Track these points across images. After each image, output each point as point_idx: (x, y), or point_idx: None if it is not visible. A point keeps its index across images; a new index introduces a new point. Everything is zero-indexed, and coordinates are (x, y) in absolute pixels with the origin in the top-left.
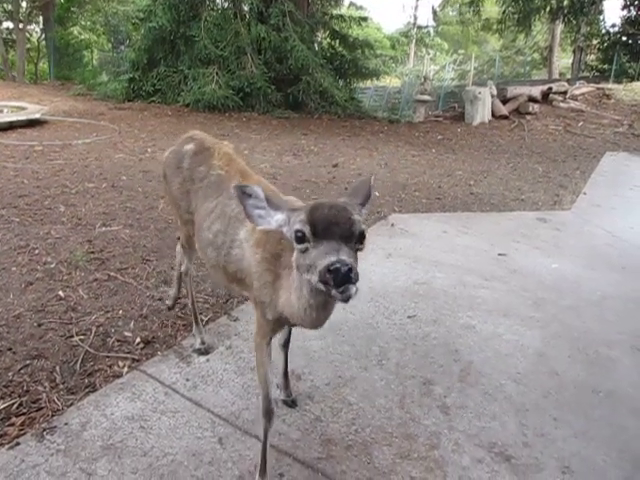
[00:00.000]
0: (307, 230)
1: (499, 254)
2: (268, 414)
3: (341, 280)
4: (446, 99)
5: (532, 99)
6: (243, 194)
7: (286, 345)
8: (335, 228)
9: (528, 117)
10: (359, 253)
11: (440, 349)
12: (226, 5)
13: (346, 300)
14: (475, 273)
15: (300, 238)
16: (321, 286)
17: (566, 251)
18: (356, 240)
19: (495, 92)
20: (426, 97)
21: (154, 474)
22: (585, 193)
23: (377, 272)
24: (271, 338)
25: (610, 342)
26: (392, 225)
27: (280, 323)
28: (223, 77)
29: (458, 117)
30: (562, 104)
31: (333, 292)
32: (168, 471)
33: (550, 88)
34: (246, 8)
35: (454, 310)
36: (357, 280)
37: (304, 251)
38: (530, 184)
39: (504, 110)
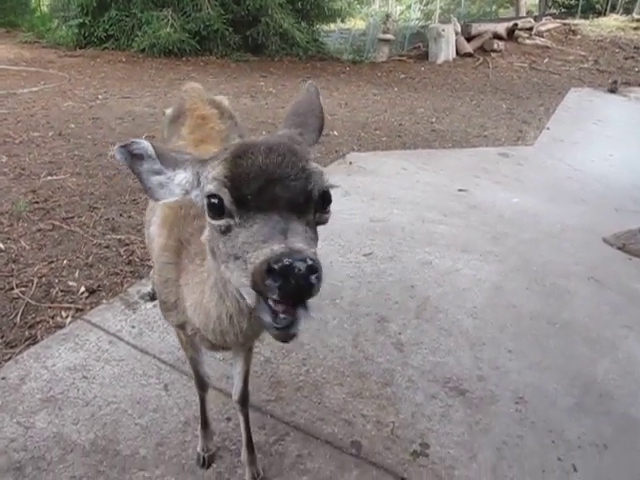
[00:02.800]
0: (227, 195)
1: (459, 190)
2: (202, 387)
3: (296, 292)
4: (412, 40)
5: (497, 36)
6: (132, 157)
7: (243, 402)
8: (279, 190)
9: (493, 54)
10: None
11: (396, 286)
12: None
13: (286, 340)
14: (434, 209)
15: (216, 208)
16: (251, 298)
17: (527, 185)
18: (316, 208)
19: (459, 29)
20: (389, 36)
21: (96, 423)
22: (548, 128)
23: (333, 210)
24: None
25: (568, 273)
26: (350, 163)
27: (191, 336)
28: (178, 20)
29: (422, 56)
30: (528, 41)
31: (266, 318)
32: (111, 420)
33: (515, 24)
34: None
35: (411, 247)
36: (317, 291)
37: (224, 231)
38: (493, 121)
39: (468, 48)
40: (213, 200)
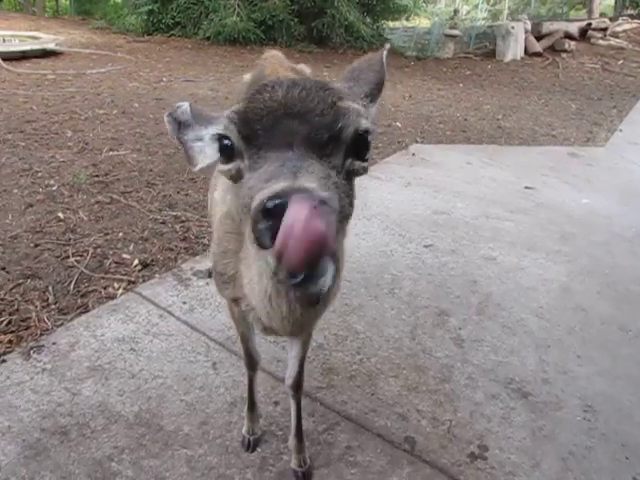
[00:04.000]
0: (234, 132)
1: (526, 187)
2: (251, 366)
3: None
4: (477, 39)
5: (569, 36)
6: (179, 126)
7: (297, 388)
8: (296, 125)
9: (563, 55)
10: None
11: (457, 280)
12: None
13: (307, 302)
14: (499, 205)
15: (226, 151)
16: (255, 247)
17: (598, 186)
18: (346, 148)
19: (529, 27)
20: (456, 32)
21: (141, 397)
22: (621, 130)
23: (394, 200)
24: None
25: None
26: (413, 154)
27: (245, 312)
28: (245, 9)
29: (489, 54)
30: (601, 41)
31: (280, 275)
32: (156, 394)
33: (589, 24)
34: None
35: (474, 241)
36: (333, 243)
37: (236, 177)
38: (562, 120)
39: (538, 47)
40: (223, 142)
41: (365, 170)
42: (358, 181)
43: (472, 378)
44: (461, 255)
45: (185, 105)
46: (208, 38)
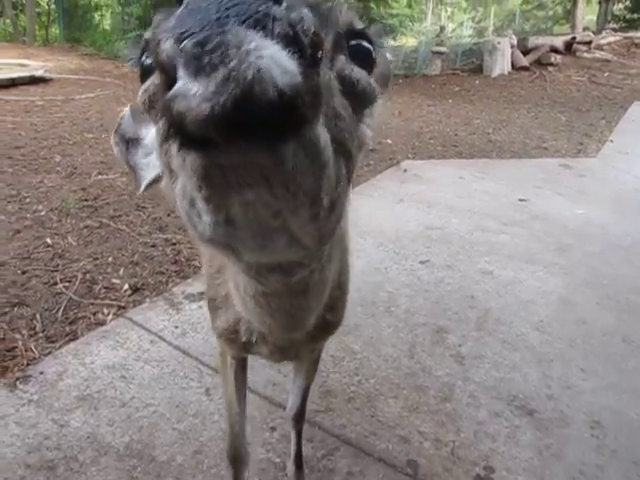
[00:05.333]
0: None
1: (520, 199)
2: (233, 460)
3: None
4: (464, 56)
5: (554, 50)
6: (127, 146)
7: (299, 419)
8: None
9: (550, 68)
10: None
11: (455, 295)
12: None
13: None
14: (494, 218)
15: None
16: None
17: (592, 197)
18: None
19: (515, 42)
20: (442, 49)
21: (132, 426)
22: (612, 141)
23: (387, 217)
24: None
25: None
26: (405, 171)
27: (246, 346)
28: None
29: (476, 70)
30: (586, 54)
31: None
32: (148, 423)
33: (574, 38)
34: None
35: (470, 255)
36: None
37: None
38: (552, 133)
39: (524, 61)
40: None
41: (371, 90)
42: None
43: (474, 396)
44: (457, 270)
45: (127, 110)
46: None
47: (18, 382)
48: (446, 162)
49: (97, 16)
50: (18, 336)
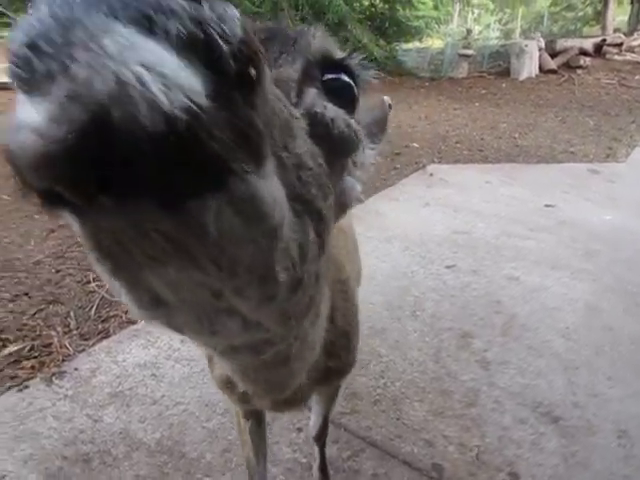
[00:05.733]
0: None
1: (546, 205)
2: None
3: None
4: (490, 58)
5: (583, 52)
6: None
7: (320, 437)
8: None
9: (579, 71)
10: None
11: (480, 300)
12: None
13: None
14: (520, 223)
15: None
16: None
17: (621, 203)
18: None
19: (543, 45)
20: (469, 51)
21: (163, 423)
22: None
23: (413, 221)
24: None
25: None
26: (431, 175)
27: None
28: None
29: (503, 73)
30: (617, 57)
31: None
32: (178, 421)
33: (604, 40)
34: None
35: (496, 261)
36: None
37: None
38: (580, 137)
39: (552, 64)
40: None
41: (352, 134)
42: (374, 204)
43: (499, 402)
44: (483, 275)
45: None
46: None
47: (54, 377)
48: (472, 166)
49: None
50: (53, 333)
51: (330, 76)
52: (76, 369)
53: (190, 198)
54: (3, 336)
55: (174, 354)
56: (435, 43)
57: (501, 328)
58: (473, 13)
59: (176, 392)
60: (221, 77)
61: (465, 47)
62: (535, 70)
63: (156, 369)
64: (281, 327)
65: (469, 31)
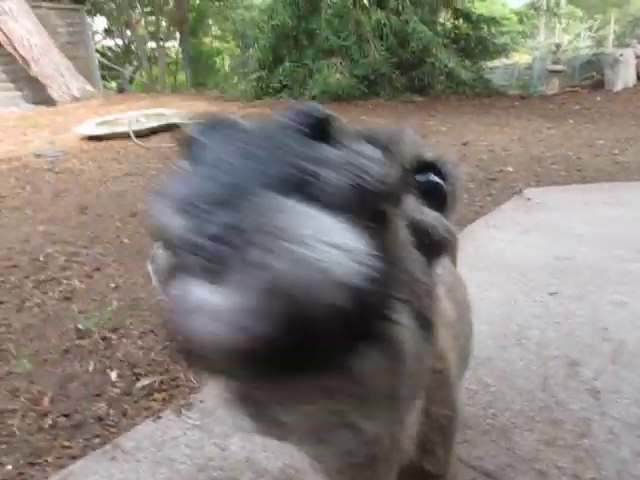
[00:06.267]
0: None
1: None
2: None
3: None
4: (582, 69)
5: None
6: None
7: None
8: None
9: None
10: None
11: (586, 327)
12: None
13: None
14: (625, 246)
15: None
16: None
17: None
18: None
19: None
20: (559, 67)
21: (283, 453)
22: None
23: (513, 248)
24: None
25: None
26: (528, 199)
27: None
28: (347, 66)
29: (597, 85)
30: None
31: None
32: (297, 450)
33: None
34: None
35: (601, 285)
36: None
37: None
38: None
39: None
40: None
41: (447, 236)
42: (471, 232)
43: (614, 433)
44: (588, 301)
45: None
46: (314, 97)
47: (183, 409)
48: (570, 188)
49: (218, 60)
50: (179, 367)
51: (421, 178)
52: (201, 401)
53: (351, 351)
54: (136, 370)
55: None
56: (522, 58)
57: (610, 355)
58: (561, 23)
59: None
60: (376, 225)
61: (554, 62)
62: (633, 79)
63: None
64: (387, 428)
65: (558, 46)
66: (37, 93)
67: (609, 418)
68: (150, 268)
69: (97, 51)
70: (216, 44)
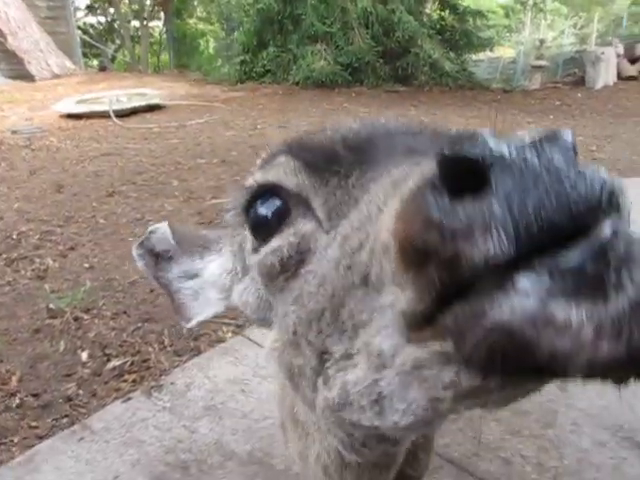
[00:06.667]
0: (292, 171)
1: None
2: None
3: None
4: (565, 66)
5: None
6: (157, 260)
7: None
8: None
9: None
10: None
11: None
12: None
13: None
14: None
15: (267, 220)
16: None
17: None
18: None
19: (622, 51)
20: (542, 62)
21: (253, 436)
22: None
23: None
24: None
25: None
26: None
27: None
28: (331, 53)
29: (578, 82)
30: None
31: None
32: (267, 434)
33: None
34: None
35: None
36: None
37: (293, 262)
38: None
39: (632, 70)
40: (265, 207)
41: None
42: None
43: (577, 424)
44: None
45: (163, 228)
46: (297, 83)
47: (153, 390)
48: None
49: (202, 42)
50: (150, 349)
51: None
52: (172, 383)
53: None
54: (107, 351)
55: (260, 371)
56: (507, 52)
57: None
58: (546, 19)
59: (264, 407)
60: None
61: (538, 58)
62: (613, 78)
63: (245, 385)
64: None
65: (542, 41)
66: (14, 68)
67: (574, 409)
68: (136, 252)
69: (79, 28)
70: (200, 26)
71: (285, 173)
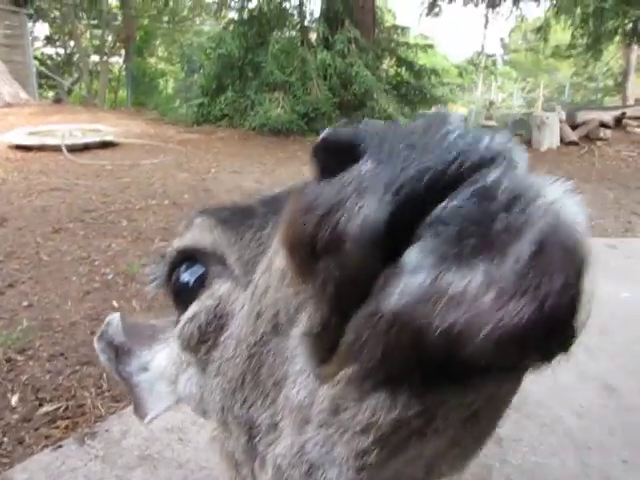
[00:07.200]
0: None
1: None
2: None
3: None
4: (513, 127)
5: (604, 125)
6: (116, 353)
7: None
8: None
9: (599, 143)
10: None
11: None
12: (293, 33)
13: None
14: None
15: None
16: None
17: (638, 280)
18: None
19: (564, 117)
20: (492, 123)
21: None
22: None
23: None
24: None
25: None
26: None
27: None
28: (289, 102)
29: (525, 143)
30: (637, 129)
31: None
32: None
33: (624, 113)
34: (313, 35)
35: None
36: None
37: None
38: (599, 210)
39: (573, 136)
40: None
41: None
42: None
43: (511, 479)
44: None
45: (115, 319)
46: (253, 129)
47: (86, 437)
48: None
49: (162, 82)
50: (87, 394)
51: None
52: (107, 430)
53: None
54: (40, 395)
55: (199, 420)
56: (459, 110)
57: (515, 404)
58: (497, 81)
59: (201, 457)
60: None
61: (487, 118)
62: (556, 141)
63: (183, 433)
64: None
65: (492, 103)
66: None
67: (508, 465)
68: (98, 345)
69: (36, 58)
70: (161, 65)
71: (201, 232)
